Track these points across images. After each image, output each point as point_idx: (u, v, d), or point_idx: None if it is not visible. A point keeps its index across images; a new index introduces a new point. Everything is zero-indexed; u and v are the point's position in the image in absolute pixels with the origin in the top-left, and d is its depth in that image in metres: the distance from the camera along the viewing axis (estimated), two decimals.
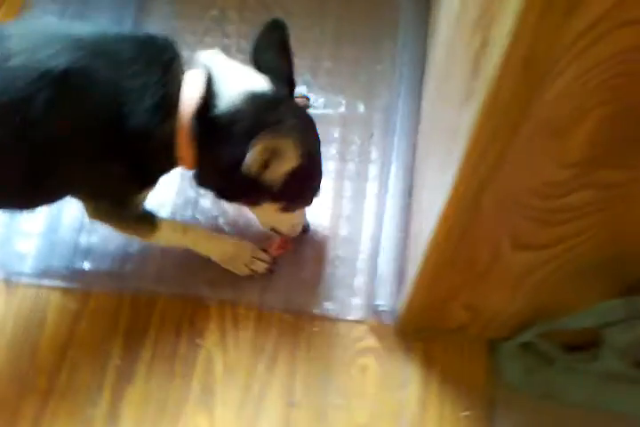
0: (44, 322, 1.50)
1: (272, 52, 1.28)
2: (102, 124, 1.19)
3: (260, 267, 1.52)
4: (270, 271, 1.53)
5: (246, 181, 1.22)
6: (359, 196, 1.66)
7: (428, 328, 1.48)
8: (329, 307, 1.52)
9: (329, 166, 1.70)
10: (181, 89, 1.20)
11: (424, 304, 1.34)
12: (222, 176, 1.26)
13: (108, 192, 1.34)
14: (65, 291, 1.53)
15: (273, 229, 1.48)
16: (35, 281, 1.53)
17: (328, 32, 1.90)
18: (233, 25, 1.93)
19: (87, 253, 1.56)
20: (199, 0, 1.95)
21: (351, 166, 1.71)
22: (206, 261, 1.52)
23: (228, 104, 1.19)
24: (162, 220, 1.46)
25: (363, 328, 1.52)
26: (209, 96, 1.19)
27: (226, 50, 1.83)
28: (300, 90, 1.59)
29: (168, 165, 1.30)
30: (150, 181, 1.35)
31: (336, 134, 1.74)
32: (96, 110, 1.18)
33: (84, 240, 1.57)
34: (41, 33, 1.20)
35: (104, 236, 1.57)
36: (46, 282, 1.53)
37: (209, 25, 1.93)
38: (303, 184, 1.32)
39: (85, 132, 1.19)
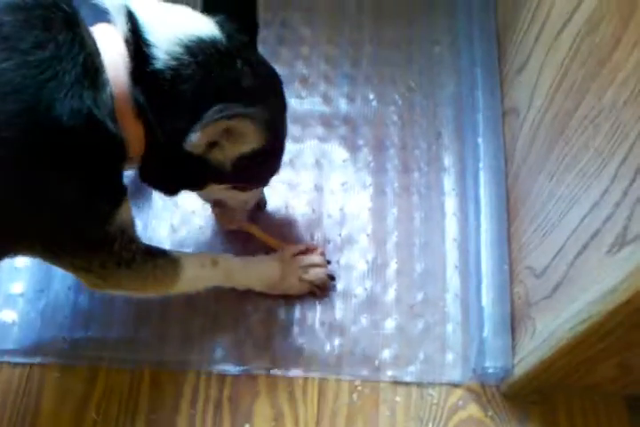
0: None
1: None
2: (19, 127, 0.82)
3: (318, 276, 1.20)
4: (332, 279, 1.23)
5: (191, 161, 0.94)
6: (434, 215, 1.29)
7: (547, 387, 1.11)
8: (413, 368, 1.15)
9: (389, 179, 1.33)
10: (99, 50, 0.88)
11: (562, 366, 0.97)
12: (166, 154, 0.95)
13: (78, 229, 0.94)
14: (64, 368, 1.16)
15: (216, 203, 1.18)
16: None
17: (366, 11, 1.53)
18: None
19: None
20: None
21: (417, 176, 1.33)
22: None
23: (166, 57, 0.88)
24: (180, 254, 1.10)
25: (460, 393, 1.15)
26: (139, 49, 0.88)
27: None
28: None
29: (119, 155, 0.93)
30: (117, 191, 0.97)
31: (394, 138, 1.37)
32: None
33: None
34: None
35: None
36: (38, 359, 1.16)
37: None
38: (261, 167, 1.04)
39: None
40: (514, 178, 1.20)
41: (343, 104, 1.43)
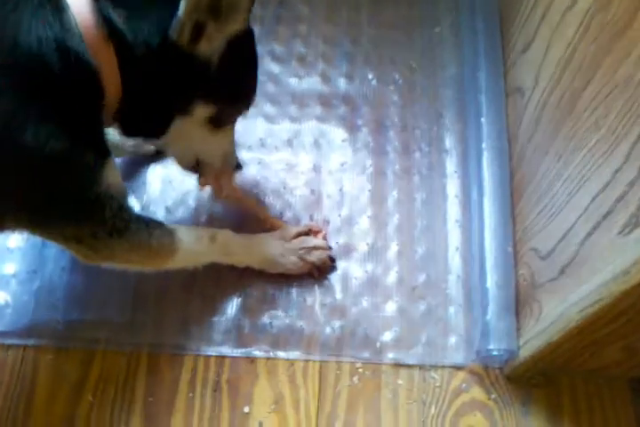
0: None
1: None
2: None
3: (319, 257, 1.18)
4: (332, 261, 1.21)
5: (175, 67, 0.87)
6: (436, 197, 1.27)
7: (551, 370, 1.11)
8: (416, 351, 1.14)
9: (389, 160, 1.31)
10: None
11: (568, 348, 0.96)
12: (147, 69, 0.88)
13: (64, 189, 0.88)
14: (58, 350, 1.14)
15: (198, 167, 1.11)
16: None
17: None
18: None
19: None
20: None
21: (417, 158, 1.31)
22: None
23: None
24: (177, 227, 1.07)
25: (463, 376, 1.14)
26: None
27: None
28: None
29: (96, 90, 0.86)
30: (100, 140, 0.90)
31: (395, 118, 1.35)
32: None
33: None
34: None
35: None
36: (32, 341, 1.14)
37: None
38: (244, 68, 0.97)
39: None
40: (518, 159, 1.18)
41: (342, 84, 1.40)
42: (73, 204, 0.91)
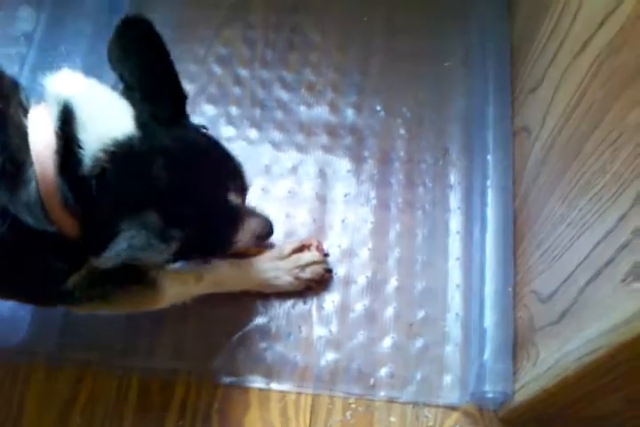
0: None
1: (136, 59, 0.89)
2: None
3: (316, 272, 1.18)
4: (328, 271, 1.21)
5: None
6: (438, 232, 1.26)
7: (547, 416, 1.09)
8: (411, 388, 1.13)
9: (393, 193, 1.30)
10: (29, 141, 0.84)
11: (564, 396, 0.94)
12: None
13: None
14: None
15: None
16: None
17: (378, 21, 1.51)
18: (258, 13, 1.53)
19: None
20: None
21: (421, 192, 1.31)
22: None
23: (91, 162, 0.84)
24: (160, 275, 1.06)
25: (457, 416, 1.12)
26: (69, 145, 0.84)
27: (251, 45, 1.49)
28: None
29: (56, 242, 0.88)
30: (67, 265, 0.93)
31: (400, 151, 1.35)
32: None
33: None
34: None
35: None
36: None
37: (227, 14, 1.53)
38: (201, 247, 0.97)
39: None
40: (522, 199, 1.18)
41: (350, 114, 1.40)
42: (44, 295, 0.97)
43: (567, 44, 1.08)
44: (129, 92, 0.89)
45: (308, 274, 1.18)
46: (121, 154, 0.85)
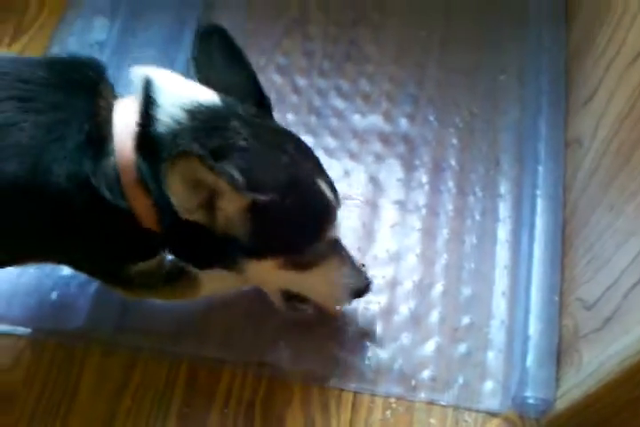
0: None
1: (219, 65, 0.98)
2: (20, 188, 0.87)
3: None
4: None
5: (201, 231, 0.90)
6: (486, 241, 1.27)
7: (590, 423, 1.08)
8: (452, 392, 1.13)
9: (443, 200, 1.32)
10: (113, 118, 0.90)
11: (607, 403, 0.94)
12: (176, 225, 0.91)
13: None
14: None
15: (294, 301, 1.10)
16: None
17: (436, 34, 1.54)
18: (317, 26, 1.58)
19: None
20: None
21: (471, 200, 1.32)
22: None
23: (168, 124, 0.88)
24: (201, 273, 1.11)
25: (497, 422, 1.12)
26: (148, 120, 0.89)
27: (310, 55, 1.54)
28: None
29: (126, 224, 0.92)
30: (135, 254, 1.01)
31: (452, 161, 1.37)
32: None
33: None
34: None
35: None
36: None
37: (288, 26, 1.58)
38: (282, 228, 0.93)
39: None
40: (572, 208, 1.18)
41: (403, 123, 1.43)
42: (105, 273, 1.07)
43: (622, 54, 1.09)
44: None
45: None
46: (200, 113, 0.89)
